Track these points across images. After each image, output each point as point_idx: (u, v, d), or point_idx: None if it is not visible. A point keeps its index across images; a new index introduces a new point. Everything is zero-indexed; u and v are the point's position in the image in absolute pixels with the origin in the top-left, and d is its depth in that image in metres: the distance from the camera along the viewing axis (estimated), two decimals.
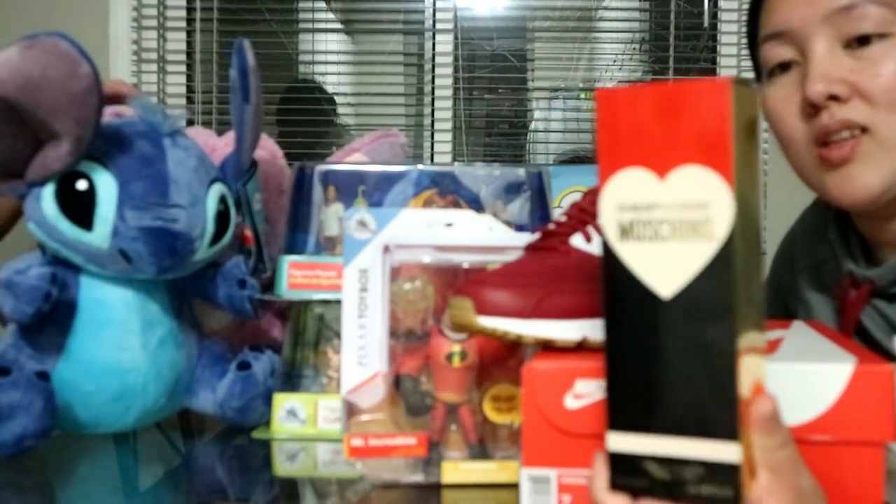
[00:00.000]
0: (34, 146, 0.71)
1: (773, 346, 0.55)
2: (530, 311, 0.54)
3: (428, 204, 0.84)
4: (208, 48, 2.36)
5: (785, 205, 1.14)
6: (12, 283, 0.70)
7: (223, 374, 0.80)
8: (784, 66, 0.78)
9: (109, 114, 0.85)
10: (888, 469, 0.49)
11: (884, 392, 0.48)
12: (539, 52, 2.49)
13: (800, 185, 0.82)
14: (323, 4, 2.58)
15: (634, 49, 2.48)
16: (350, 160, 1.02)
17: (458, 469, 0.64)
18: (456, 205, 0.85)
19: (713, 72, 2.32)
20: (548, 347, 0.56)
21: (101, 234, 0.73)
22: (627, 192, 0.41)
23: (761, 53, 0.80)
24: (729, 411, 0.40)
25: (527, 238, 0.64)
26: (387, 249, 0.66)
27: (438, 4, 2.37)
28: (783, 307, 0.96)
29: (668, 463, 0.41)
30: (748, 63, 0.86)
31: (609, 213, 0.42)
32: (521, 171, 0.87)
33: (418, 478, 0.64)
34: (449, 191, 0.85)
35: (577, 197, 0.67)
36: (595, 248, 0.58)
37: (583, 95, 2.52)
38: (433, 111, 2.38)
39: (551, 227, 0.61)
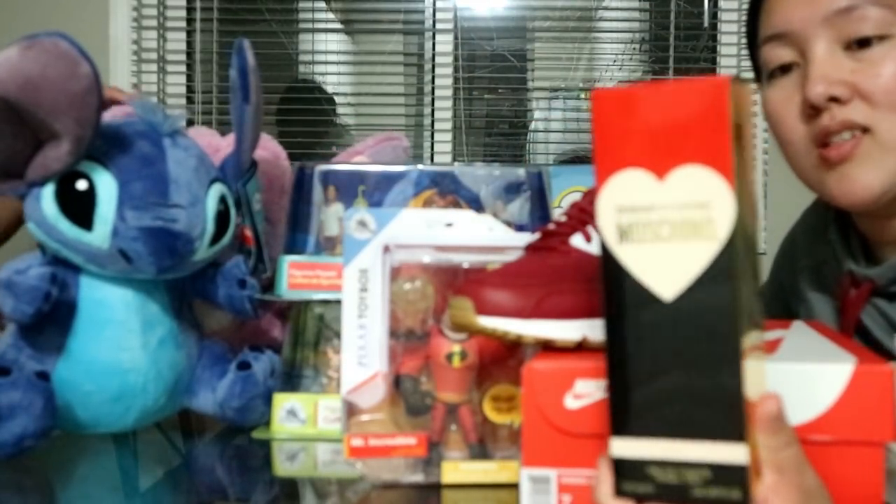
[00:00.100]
0: (34, 146, 0.71)
1: (773, 346, 0.55)
2: (530, 311, 0.54)
3: (428, 204, 0.84)
4: (208, 48, 2.36)
5: (785, 205, 1.14)
6: (12, 283, 0.70)
7: (223, 374, 0.80)
8: (784, 68, 0.78)
9: (121, 114, 0.85)
10: (888, 469, 0.49)
11: (884, 392, 0.48)
12: (539, 52, 2.49)
13: (800, 185, 0.82)
14: (323, 4, 2.58)
15: (634, 49, 2.48)
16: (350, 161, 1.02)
17: (458, 469, 0.64)
18: (456, 205, 0.85)
19: (713, 72, 2.32)
20: (548, 347, 0.56)
21: (101, 234, 0.73)
22: (626, 193, 0.41)
23: (761, 55, 0.80)
24: (735, 412, 0.39)
25: (527, 238, 0.64)
26: (387, 249, 0.66)
27: (438, 4, 2.37)
28: (784, 307, 0.96)
29: (673, 467, 0.41)
30: (748, 63, 0.86)
31: (607, 216, 0.41)
32: (521, 171, 0.87)
33: (418, 478, 0.64)
34: (449, 191, 0.85)
35: (577, 197, 0.67)
36: (595, 248, 0.58)
37: (583, 95, 2.52)
38: (433, 111, 2.38)
39: (551, 227, 0.61)
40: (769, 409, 0.41)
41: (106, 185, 0.73)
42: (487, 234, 0.67)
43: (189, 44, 2.37)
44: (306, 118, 2.39)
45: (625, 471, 0.42)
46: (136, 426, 0.78)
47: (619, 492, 0.43)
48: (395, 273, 0.66)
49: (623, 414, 0.42)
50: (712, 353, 0.39)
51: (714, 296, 0.39)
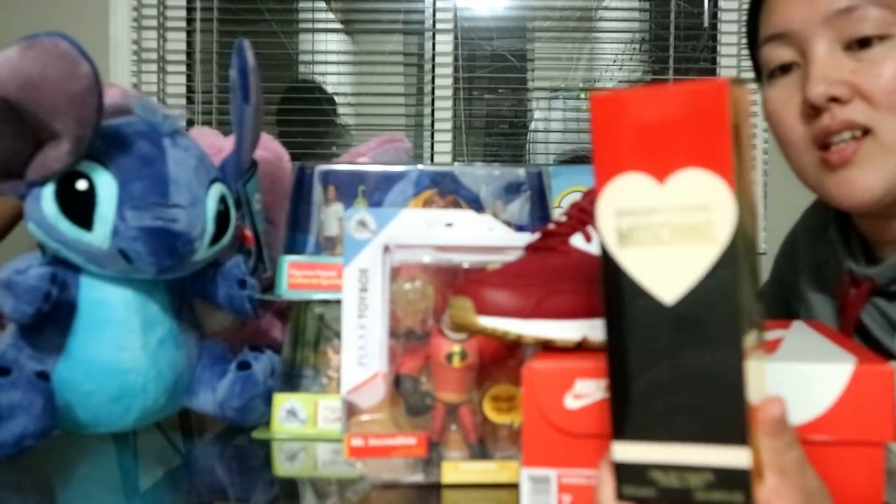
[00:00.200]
0: (34, 146, 0.71)
1: (773, 346, 0.55)
2: (530, 311, 0.54)
3: (428, 204, 0.85)
4: (208, 48, 2.36)
5: (785, 205, 1.14)
6: (12, 283, 0.70)
7: (223, 374, 0.80)
8: (784, 68, 0.78)
9: (115, 94, 0.84)
10: (888, 469, 0.49)
11: (884, 392, 0.48)
12: (539, 52, 2.49)
13: (800, 185, 0.82)
14: (323, 4, 2.58)
15: (634, 49, 2.48)
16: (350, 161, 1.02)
17: (458, 469, 0.64)
18: (456, 205, 0.85)
19: (713, 72, 2.32)
20: (548, 347, 0.56)
21: (101, 234, 0.73)
22: (626, 197, 0.41)
23: (761, 55, 0.80)
24: (738, 416, 0.39)
25: (527, 238, 0.64)
26: (387, 249, 0.66)
27: (438, 4, 2.37)
28: (785, 307, 0.96)
29: (675, 470, 0.41)
30: (748, 63, 0.86)
31: (607, 220, 0.41)
32: (521, 171, 0.87)
33: (418, 478, 0.64)
34: (449, 191, 0.85)
35: (577, 197, 0.67)
36: (595, 248, 0.58)
37: (583, 95, 2.52)
38: (433, 111, 2.38)
39: (551, 227, 0.61)
40: (773, 413, 0.41)
41: (106, 185, 0.73)
42: (487, 234, 0.67)
43: (189, 44, 2.37)
44: (306, 118, 2.39)
45: (626, 475, 0.42)
46: (136, 426, 0.78)
47: (621, 496, 0.42)
48: (395, 273, 0.66)
49: (624, 418, 0.42)
50: (714, 357, 0.39)
51: (715, 299, 0.39)
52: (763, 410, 0.41)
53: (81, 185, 0.72)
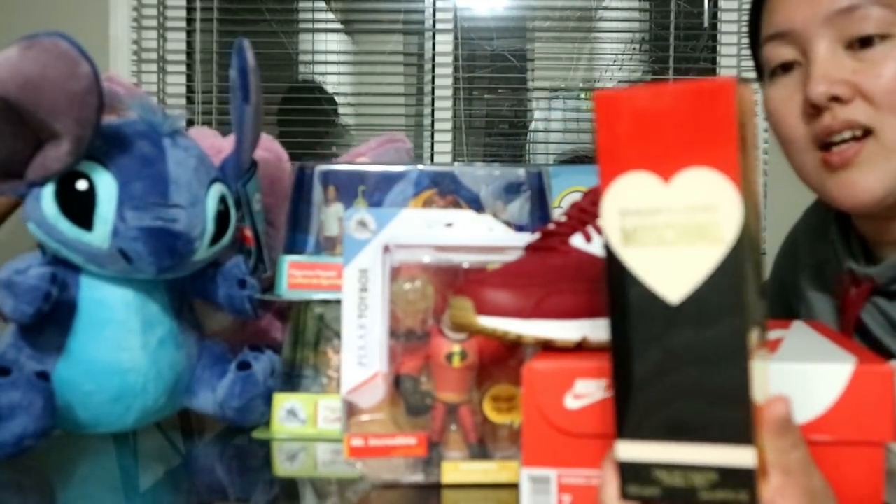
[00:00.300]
0: (34, 146, 0.71)
1: (773, 346, 0.55)
2: (530, 311, 0.54)
3: (428, 204, 0.84)
4: (208, 48, 2.36)
5: (785, 205, 1.14)
6: (12, 283, 0.70)
7: (223, 374, 0.80)
8: (786, 67, 0.78)
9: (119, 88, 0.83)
10: (888, 469, 0.49)
11: (884, 392, 0.48)
12: (539, 52, 2.49)
13: (800, 186, 0.82)
14: (323, 4, 2.58)
15: (634, 49, 2.48)
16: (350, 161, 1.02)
17: (458, 469, 0.64)
18: (456, 205, 0.85)
19: (713, 72, 2.32)
20: (548, 347, 0.56)
21: (101, 234, 0.73)
22: (630, 196, 0.41)
23: (763, 53, 0.80)
24: (743, 415, 0.39)
25: (527, 238, 0.64)
26: (387, 249, 0.66)
27: (438, 4, 2.37)
28: (785, 306, 0.96)
29: (679, 470, 0.41)
30: (748, 63, 0.86)
31: (612, 219, 0.41)
32: (521, 171, 0.87)
33: (418, 478, 0.64)
34: (449, 191, 0.85)
35: (577, 197, 0.67)
36: (595, 249, 0.58)
37: (583, 95, 2.52)
38: (433, 111, 2.38)
39: (551, 227, 0.61)
40: (778, 412, 0.41)
41: (106, 185, 0.73)
42: (487, 234, 0.67)
43: (189, 44, 2.37)
44: (307, 118, 2.39)
45: (630, 474, 0.42)
46: (136, 426, 0.78)
47: (625, 495, 0.42)
48: (395, 273, 0.66)
49: (628, 417, 0.41)
50: (719, 356, 0.39)
51: (721, 299, 0.39)
52: (768, 409, 0.41)
53: (81, 185, 0.72)
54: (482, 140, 2.56)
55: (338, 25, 2.68)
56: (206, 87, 2.35)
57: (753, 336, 0.40)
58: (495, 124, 2.56)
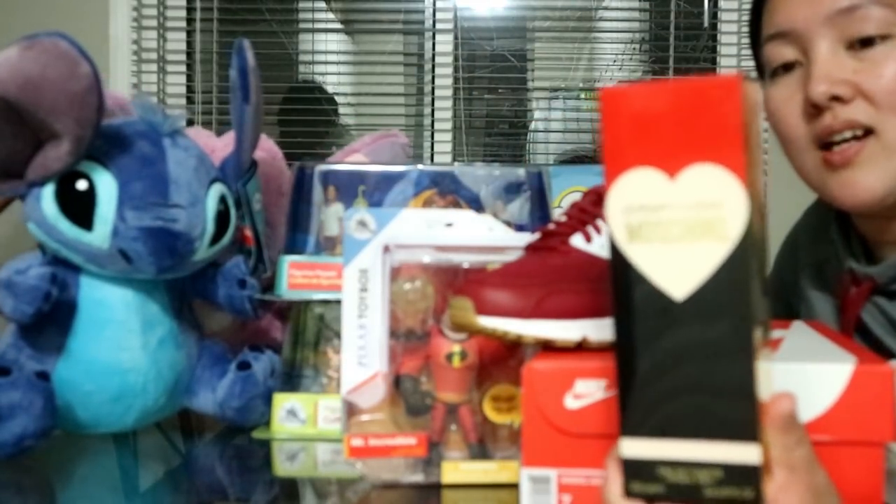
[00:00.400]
0: (34, 146, 0.71)
1: (773, 346, 0.55)
2: (530, 311, 0.54)
3: (428, 204, 0.84)
4: (208, 48, 2.36)
5: (785, 205, 1.14)
6: (12, 283, 0.70)
7: (223, 374, 0.80)
8: (787, 67, 0.78)
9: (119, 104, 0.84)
10: (888, 469, 0.49)
11: (884, 392, 0.48)
12: (539, 52, 2.49)
13: (800, 185, 0.82)
14: (323, 4, 2.58)
15: (634, 49, 2.48)
16: (349, 161, 1.02)
17: (458, 469, 0.64)
18: (456, 205, 0.85)
19: (713, 72, 2.32)
20: (548, 347, 0.56)
21: (101, 234, 0.73)
22: (636, 192, 0.40)
23: (764, 53, 0.80)
24: (748, 412, 0.39)
25: (527, 238, 0.64)
26: (387, 249, 0.66)
27: (438, 4, 2.37)
28: (786, 306, 0.96)
29: (684, 467, 0.40)
30: (748, 63, 0.86)
31: (616, 215, 0.41)
32: (521, 171, 0.87)
33: (418, 478, 0.64)
34: (449, 191, 0.85)
35: (577, 197, 0.67)
36: (595, 249, 0.58)
37: (583, 95, 2.52)
38: (433, 111, 2.38)
39: (551, 227, 0.61)
40: (784, 408, 0.41)
41: (106, 185, 0.73)
42: (487, 234, 0.67)
43: (189, 44, 2.37)
44: (307, 118, 2.39)
45: (634, 471, 0.42)
46: (136, 426, 0.78)
47: (629, 492, 0.42)
48: (395, 273, 0.66)
49: (632, 414, 0.41)
50: (724, 353, 0.39)
51: (726, 295, 0.39)
52: (773, 406, 0.41)
53: (81, 185, 0.72)
54: (482, 140, 2.56)
55: (338, 25, 2.68)
56: (206, 87, 2.35)
57: (757, 332, 0.40)
58: (495, 124, 2.56)
